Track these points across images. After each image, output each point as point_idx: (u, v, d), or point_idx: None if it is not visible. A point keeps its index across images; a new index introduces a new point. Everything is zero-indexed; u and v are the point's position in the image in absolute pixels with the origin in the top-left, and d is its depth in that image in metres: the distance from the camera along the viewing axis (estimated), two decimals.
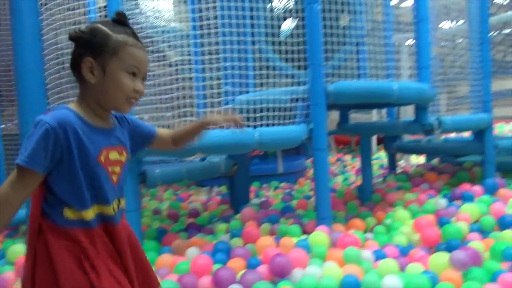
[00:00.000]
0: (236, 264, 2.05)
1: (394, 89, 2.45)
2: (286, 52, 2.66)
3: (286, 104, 2.46)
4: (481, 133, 3.41)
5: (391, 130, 3.50)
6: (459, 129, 3.36)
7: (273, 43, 2.99)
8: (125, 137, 1.15)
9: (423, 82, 2.82)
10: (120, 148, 1.11)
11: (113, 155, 1.08)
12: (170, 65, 2.66)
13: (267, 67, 2.96)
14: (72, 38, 1.04)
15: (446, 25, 4.49)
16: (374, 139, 7.43)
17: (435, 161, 4.75)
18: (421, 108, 2.94)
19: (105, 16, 2.49)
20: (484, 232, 2.44)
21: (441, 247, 2.26)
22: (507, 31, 4.82)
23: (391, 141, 4.29)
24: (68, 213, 1.02)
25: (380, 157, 6.71)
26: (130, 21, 1.15)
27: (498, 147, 3.52)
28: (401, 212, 2.72)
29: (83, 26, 1.07)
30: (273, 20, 3.04)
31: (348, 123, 3.61)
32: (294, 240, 2.29)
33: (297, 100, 2.53)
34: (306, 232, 2.52)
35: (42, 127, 0.96)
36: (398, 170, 4.70)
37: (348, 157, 7.27)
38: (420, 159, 5.61)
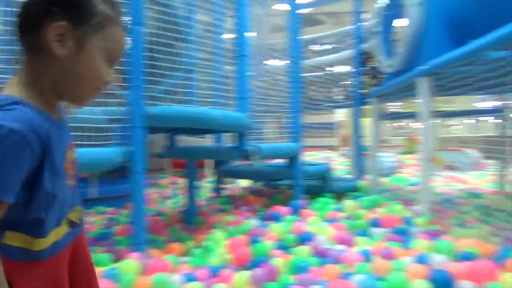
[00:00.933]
0: None
1: (212, 116, 2.59)
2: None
3: (102, 124, 2.34)
4: (292, 159, 3.87)
5: (215, 155, 3.68)
6: (273, 156, 3.74)
7: None
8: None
9: (241, 112, 3.06)
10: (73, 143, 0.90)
11: (71, 155, 0.86)
12: None
13: None
14: None
15: (272, 62, 5.05)
16: (211, 162, 7.67)
17: (259, 184, 5.17)
18: (240, 135, 3.17)
19: None
20: (287, 249, 2.73)
21: (250, 265, 2.43)
22: (317, 74, 5.69)
23: (221, 165, 4.51)
24: (11, 239, 0.73)
25: (214, 180, 6.95)
26: None
27: (306, 172, 4.04)
28: (218, 234, 2.84)
29: None
30: None
31: (175, 146, 3.64)
32: (103, 269, 2.15)
33: (116, 120, 2.44)
34: (120, 260, 2.39)
35: (9, 136, 0.65)
36: (227, 193, 4.95)
37: (183, 180, 7.32)
38: (248, 182, 6.03)
